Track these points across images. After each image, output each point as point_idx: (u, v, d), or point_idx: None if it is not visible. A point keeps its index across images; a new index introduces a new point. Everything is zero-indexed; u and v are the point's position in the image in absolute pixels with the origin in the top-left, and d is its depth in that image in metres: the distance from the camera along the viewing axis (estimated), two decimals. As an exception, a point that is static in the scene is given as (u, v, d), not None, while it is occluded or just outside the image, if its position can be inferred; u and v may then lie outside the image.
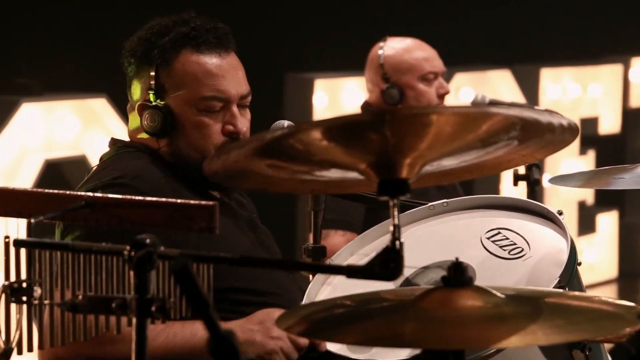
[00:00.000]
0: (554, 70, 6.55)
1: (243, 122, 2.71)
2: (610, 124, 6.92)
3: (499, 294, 1.85)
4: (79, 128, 4.52)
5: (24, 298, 1.88)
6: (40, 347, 1.94)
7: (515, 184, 3.51)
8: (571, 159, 6.47)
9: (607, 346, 2.58)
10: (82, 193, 1.97)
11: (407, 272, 2.15)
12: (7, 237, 1.92)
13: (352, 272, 1.81)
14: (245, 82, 2.73)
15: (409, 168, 1.82)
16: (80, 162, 4.49)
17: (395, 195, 1.82)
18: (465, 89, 5.93)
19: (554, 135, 1.89)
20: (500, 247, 2.49)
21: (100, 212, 1.95)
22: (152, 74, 2.67)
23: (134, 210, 1.94)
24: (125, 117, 2.92)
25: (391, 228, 1.79)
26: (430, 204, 2.65)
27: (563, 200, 6.30)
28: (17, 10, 4.58)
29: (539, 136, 1.89)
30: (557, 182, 2.79)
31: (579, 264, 2.44)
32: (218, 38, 2.71)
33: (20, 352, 1.92)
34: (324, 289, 2.53)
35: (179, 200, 1.92)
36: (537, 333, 1.76)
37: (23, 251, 1.90)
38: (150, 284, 1.79)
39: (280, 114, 5.16)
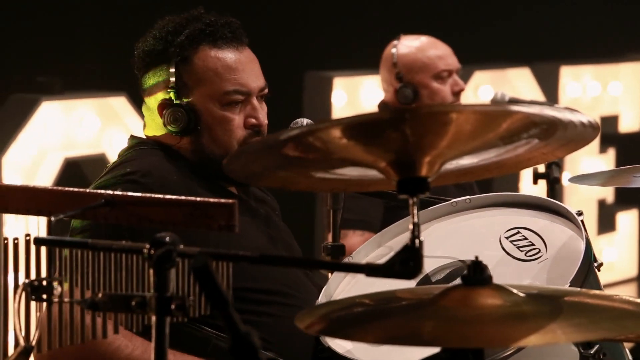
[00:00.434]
0: (574, 68, 6.52)
1: (263, 114, 2.72)
2: (630, 122, 6.89)
3: (518, 293, 1.85)
4: (98, 126, 4.54)
5: (44, 296, 1.88)
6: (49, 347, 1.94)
7: (535, 182, 3.50)
8: (591, 158, 6.45)
9: (627, 345, 2.57)
10: (102, 191, 1.98)
11: (427, 268, 2.15)
12: (27, 235, 1.93)
13: (371, 270, 1.81)
14: (262, 75, 2.75)
15: (429, 166, 1.81)
16: (99, 161, 4.50)
17: (414, 194, 1.82)
18: (484, 87, 5.91)
19: (574, 133, 1.89)
20: (518, 247, 2.48)
21: (120, 210, 1.95)
22: (172, 70, 2.68)
23: (153, 208, 1.95)
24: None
25: (410, 226, 1.78)
26: (452, 200, 2.65)
27: (583, 198, 6.27)
28: (37, 9, 4.59)
29: (560, 134, 1.88)
30: (577, 181, 2.79)
31: (601, 264, 2.43)
32: (233, 32, 2.72)
33: (40, 350, 1.92)
34: (347, 280, 2.54)
35: (198, 199, 1.92)
36: (556, 332, 1.76)
37: (43, 249, 1.91)
38: (170, 282, 1.79)
39: (299, 112, 5.16)
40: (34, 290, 1.88)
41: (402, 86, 4.03)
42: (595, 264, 2.43)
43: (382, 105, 4.17)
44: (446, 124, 1.76)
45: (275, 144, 1.84)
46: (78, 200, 1.97)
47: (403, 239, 2.62)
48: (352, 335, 1.92)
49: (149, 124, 2.77)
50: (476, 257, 1.86)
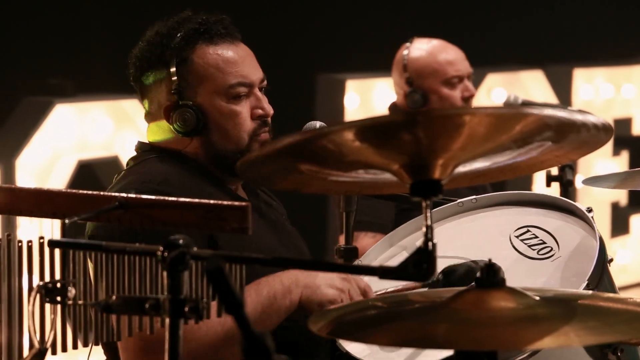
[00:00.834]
0: (587, 70, 6.51)
1: (268, 104, 2.72)
2: (643, 125, 6.88)
3: (531, 295, 1.85)
4: (111, 129, 4.55)
5: (58, 298, 1.89)
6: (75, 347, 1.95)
7: (548, 185, 3.49)
8: (604, 160, 6.44)
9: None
10: (116, 194, 1.98)
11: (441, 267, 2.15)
12: (41, 237, 1.94)
13: (384, 272, 1.81)
14: (259, 67, 2.75)
15: (442, 169, 1.81)
16: (112, 163, 4.51)
17: (428, 196, 1.82)
18: (497, 89, 5.91)
19: (588, 136, 1.88)
20: (529, 246, 2.48)
21: (134, 213, 1.96)
22: (173, 70, 2.67)
23: (166, 211, 1.95)
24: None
25: (424, 229, 1.78)
26: (459, 200, 2.65)
27: (596, 201, 6.26)
28: (50, 12, 4.60)
29: (573, 137, 1.88)
30: (590, 183, 2.78)
31: (611, 260, 2.42)
32: (226, 28, 2.73)
33: (54, 353, 1.93)
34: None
35: (211, 201, 1.93)
36: (570, 334, 1.75)
37: (57, 252, 1.92)
38: (184, 285, 1.80)
39: (311, 114, 5.16)
40: (48, 293, 1.88)
41: (412, 91, 4.01)
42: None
43: (393, 107, 4.16)
44: (459, 126, 1.76)
45: (289, 147, 1.84)
46: (92, 202, 1.97)
47: (413, 238, 2.62)
48: (365, 338, 1.92)
49: (154, 130, 2.75)
50: (489, 260, 1.85)
